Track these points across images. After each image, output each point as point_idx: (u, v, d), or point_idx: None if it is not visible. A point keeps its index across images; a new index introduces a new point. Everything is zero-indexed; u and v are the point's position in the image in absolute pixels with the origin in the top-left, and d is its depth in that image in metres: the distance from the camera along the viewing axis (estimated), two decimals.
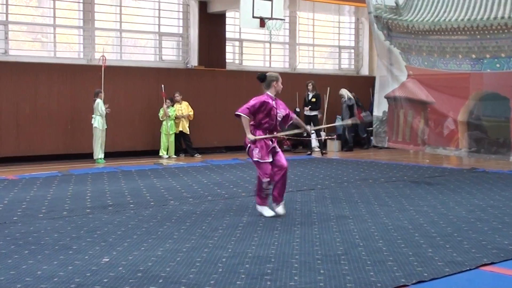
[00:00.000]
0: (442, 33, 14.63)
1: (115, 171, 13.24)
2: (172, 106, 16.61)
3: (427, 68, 15.13)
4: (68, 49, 17.00)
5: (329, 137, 18.43)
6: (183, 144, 17.05)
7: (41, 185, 11.08)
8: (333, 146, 18.45)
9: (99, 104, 15.02)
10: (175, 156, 16.59)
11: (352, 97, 19.01)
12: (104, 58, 15.28)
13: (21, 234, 7.11)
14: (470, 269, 5.65)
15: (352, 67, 22.47)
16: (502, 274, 5.53)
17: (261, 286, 5.15)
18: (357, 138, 20.44)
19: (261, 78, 8.51)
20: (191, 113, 16.91)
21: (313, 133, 17.99)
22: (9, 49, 15.58)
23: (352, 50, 22.46)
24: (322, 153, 17.52)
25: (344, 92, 19.03)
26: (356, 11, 21.74)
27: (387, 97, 16.03)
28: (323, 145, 17.85)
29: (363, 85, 20.49)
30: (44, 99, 15.40)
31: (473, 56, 14.15)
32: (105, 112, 15.05)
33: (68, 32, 16.97)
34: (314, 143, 18.22)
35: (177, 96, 16.68)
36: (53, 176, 12.38)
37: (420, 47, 15.16)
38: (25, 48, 16.10)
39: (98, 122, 15.08)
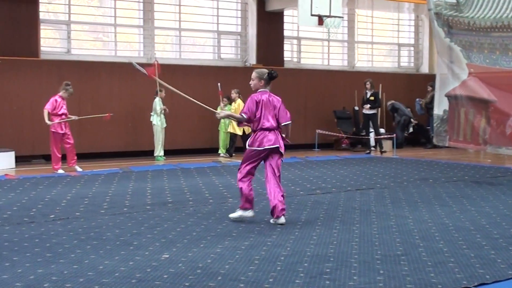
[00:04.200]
0: (504, 30, 14.30)
1: (175, 169, 13.38)
2: (230, 104, 16.65)
3: (489, 66, 14.83)
4: (128, 48, 17.26)
5: (387, 135, 18.22)
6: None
7: (102, 182, 11.29)
8: (388, 144, 18.20)
9: (156, 103, 15.23)
10: (234, 154, 16.64)
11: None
12: (157, 63, 15.24)
13: (83, 229, 7.26)
14: None
15: (412, 65, 22.19)
16: None
17: (320, 285, 5.13)
18: (417, 137, 20.21)
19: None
20: None
21: (371, 131, 17.85)
22: (71, 49, 15.93)
23: (412, 48, 22.18)
24: (381, 152, 17.36)
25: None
26: (415, 8, 21.46)
27: (448, 96, 15.78)
28: (381, 143, 17.66)
29: (423, 83, 20.20)
30: (105, 97, 15.70)
31: None
32: (160, 111, 15.20)
33: (129, 31, 17.23)
34: (373, 141, 18.05)
35: (233, 94, 16.65)
36: (114, 173, 12.59)
37: (482, 45, 14.86)
38: (87, 47, 16.42)
39: (157, 120, 15.27)
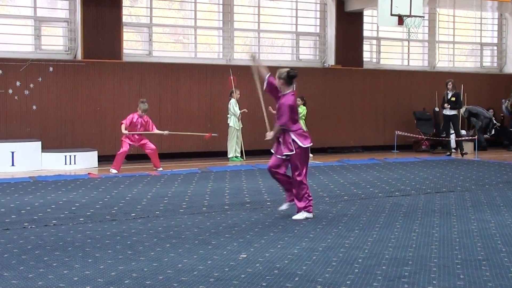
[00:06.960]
0: None
1: (253, 169, 13.46)
2: (304, 105, 16.55)
3: None
4: (208, 49, 17.47)
5: (468, 137, 17.81)
6: None
7: (182, 181, 11.47)
8: (469, 146, 17.78)
9: (231, 105, 15.37)
10: (311, 155, 16.57)
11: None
12: (233, 78, 15.40)
13: (163, 228, 7.40)
14: None
15: (495, 64, 21.62)
16: None
17: None
18: (500, 139, 19.69)
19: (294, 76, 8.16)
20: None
21: (452, 133, 17.48)
22: (152, 51, 16.23)
23: (495, 47, 21.61)
24: (462, 154, 16.98)
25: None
26: (499, 7, 20.88)
27: None
28: (461, 145, 17.26)
29: (507, 84, 19.67)
30: (185, 99, 15.93)
31: None
32: (235, 112, 15.31)
33: (208, 33, 17.43)
34: (453, 143, 17.67)
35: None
36: (193, 173, 12.78)
37: None
38: (167, 49, 16.70)
39: (233, 122, 15.41)
